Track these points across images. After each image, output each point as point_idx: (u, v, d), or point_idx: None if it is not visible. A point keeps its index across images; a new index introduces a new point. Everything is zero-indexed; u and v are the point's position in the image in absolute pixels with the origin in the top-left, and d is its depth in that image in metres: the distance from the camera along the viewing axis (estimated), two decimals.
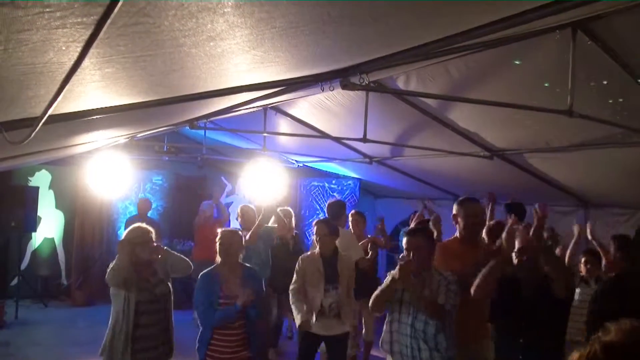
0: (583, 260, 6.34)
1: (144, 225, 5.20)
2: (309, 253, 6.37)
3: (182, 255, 5.35)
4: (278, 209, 8.10)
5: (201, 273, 5.08)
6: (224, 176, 12.85)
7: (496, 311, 4.42)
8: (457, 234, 5.16)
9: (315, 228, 6.11)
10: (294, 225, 8.56)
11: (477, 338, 4.90)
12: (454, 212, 5.15)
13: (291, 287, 6.02)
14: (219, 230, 5.22)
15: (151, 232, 5.10)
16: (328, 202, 7.74)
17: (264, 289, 5.21)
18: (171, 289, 5.12)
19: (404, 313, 4.42)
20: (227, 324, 4.92)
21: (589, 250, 6.50)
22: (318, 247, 6.07)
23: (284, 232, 8.05)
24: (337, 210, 7.41)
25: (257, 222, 7.58)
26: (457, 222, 5.13)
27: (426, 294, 4.29)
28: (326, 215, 7.36)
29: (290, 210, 8.49)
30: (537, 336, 4.12)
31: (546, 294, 4.07)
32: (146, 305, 4.88)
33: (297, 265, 6.07)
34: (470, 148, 6.84)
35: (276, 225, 7.93)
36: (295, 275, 6.05)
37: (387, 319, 4.58)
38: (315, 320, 5.85)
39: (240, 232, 5.43)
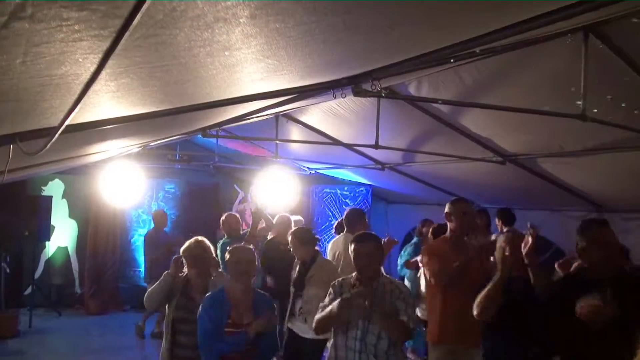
0: None
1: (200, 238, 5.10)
2: None
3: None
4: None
5: (207, 294, 4.56)
6: (237, 184, 12.87)
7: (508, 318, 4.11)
8: (447, 234, 5.33)
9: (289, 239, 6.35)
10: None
11: (461, 341, 4.88)
12: (447, 211, 5.28)
13: None
14: (229, 248, 4.72)
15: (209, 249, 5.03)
16: (347, 210, 7.77)
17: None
18: None
19: (352, 327, 4.25)
20: (234, 354, 4.27)
21: None
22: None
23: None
24: (354, 218, 7.41)
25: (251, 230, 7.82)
26: (450, 221, 5.27)
27: (376, 307, 4.14)
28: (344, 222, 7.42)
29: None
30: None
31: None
32: (184, 324, 4.69)
33: None
34: (482, 153, 6.82)
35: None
36: None
37: (331, 331, 4.43)
38: (290, 320, 6.14)
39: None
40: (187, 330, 4.59)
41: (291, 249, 6.24)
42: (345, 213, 7.52)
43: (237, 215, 8.45)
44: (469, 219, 5.26)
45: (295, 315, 6.06)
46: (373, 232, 4.80)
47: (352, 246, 4.35)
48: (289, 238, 6.30)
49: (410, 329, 4.14)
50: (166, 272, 4.89)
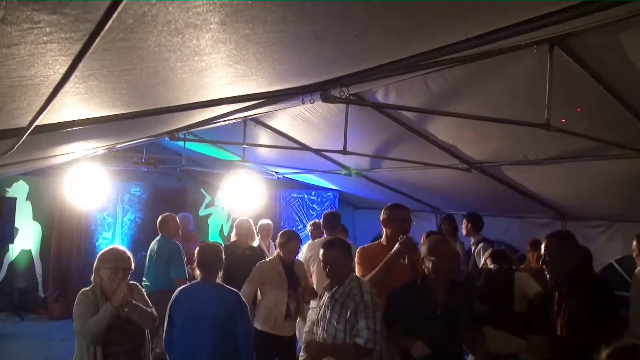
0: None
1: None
2: (267, 259, 6.58)
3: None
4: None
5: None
6: (203, 188, 12.81)
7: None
8: (383, 239, 5.34)
9: (285, 240, 6.27)
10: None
11: None
12: (383, 217, 5.30)
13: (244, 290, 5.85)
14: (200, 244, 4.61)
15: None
16: (324, 213, 7.81)
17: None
18: None
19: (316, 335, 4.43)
20: None
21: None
22: (282, 254, 6.24)
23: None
24: (335, 221, 7.49)
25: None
26: (386, 227, 5.30)
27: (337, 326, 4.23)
28: (323, 225, 7.49)
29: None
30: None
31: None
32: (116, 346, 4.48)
33: (253, 271, 6.18)
34: (448, 160, 6.90)
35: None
36: (249, 280, 6.11)
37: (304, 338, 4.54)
38: (276, 322, 6.02)
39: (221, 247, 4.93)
40: (119, 352, 4.36)
41: (283, 248, 6.22)
42: (323, 215, 7.56)
43: None
44: (406, 227, 5.20)
45: (291, 315, 6.09)
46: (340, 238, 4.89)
47: (321, 251, 4.44)
48: (287, 238, 6.28)
49: (365, 350, 4.10)
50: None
